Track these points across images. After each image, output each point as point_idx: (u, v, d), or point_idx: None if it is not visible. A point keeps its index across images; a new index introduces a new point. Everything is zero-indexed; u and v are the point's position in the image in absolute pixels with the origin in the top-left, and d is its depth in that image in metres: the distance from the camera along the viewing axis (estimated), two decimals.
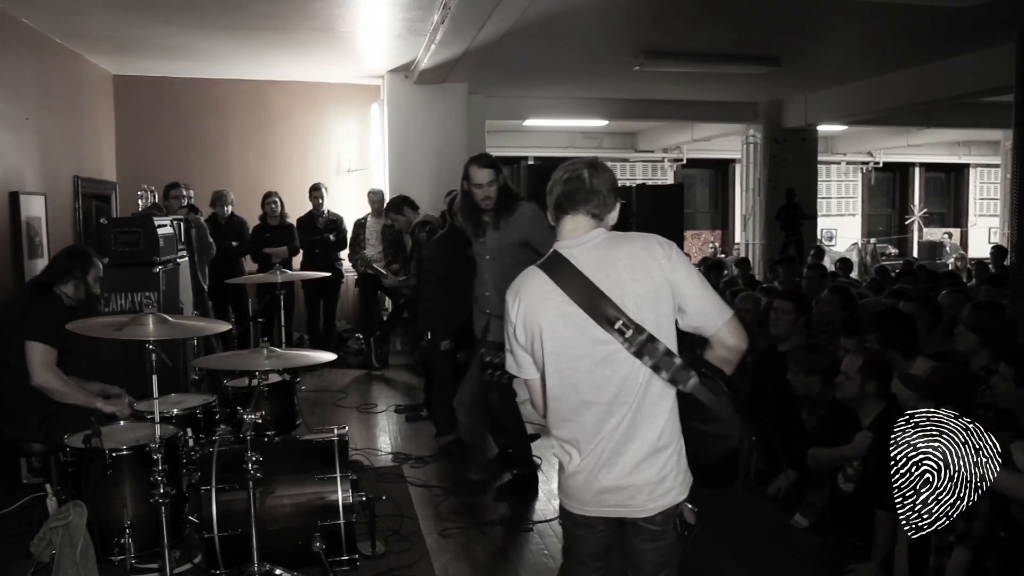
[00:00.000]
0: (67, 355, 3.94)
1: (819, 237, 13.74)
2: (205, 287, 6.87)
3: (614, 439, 2.05)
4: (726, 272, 8.80)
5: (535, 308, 2.06)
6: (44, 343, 3.77)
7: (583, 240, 2.07)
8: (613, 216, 2.14)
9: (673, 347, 2.04)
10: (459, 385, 4.85)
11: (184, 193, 7.09)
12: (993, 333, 3.97)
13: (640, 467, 2.05)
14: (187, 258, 6.18)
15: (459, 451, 5.13)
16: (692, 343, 2.21)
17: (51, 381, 3.77)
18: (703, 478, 2.15)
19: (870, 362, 3.64)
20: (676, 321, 2.09)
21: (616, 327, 1.97)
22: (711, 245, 16.02)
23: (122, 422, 3.67)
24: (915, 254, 15.92)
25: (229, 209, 7.60)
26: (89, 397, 3.84)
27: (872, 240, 16.63)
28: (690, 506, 2.11)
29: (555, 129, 14.13)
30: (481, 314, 4.43)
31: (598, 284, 2.00)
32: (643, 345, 1.98)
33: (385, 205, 7.59)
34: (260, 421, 3.13)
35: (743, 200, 13.20)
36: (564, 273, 2.03)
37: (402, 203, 6.88)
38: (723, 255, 14.58)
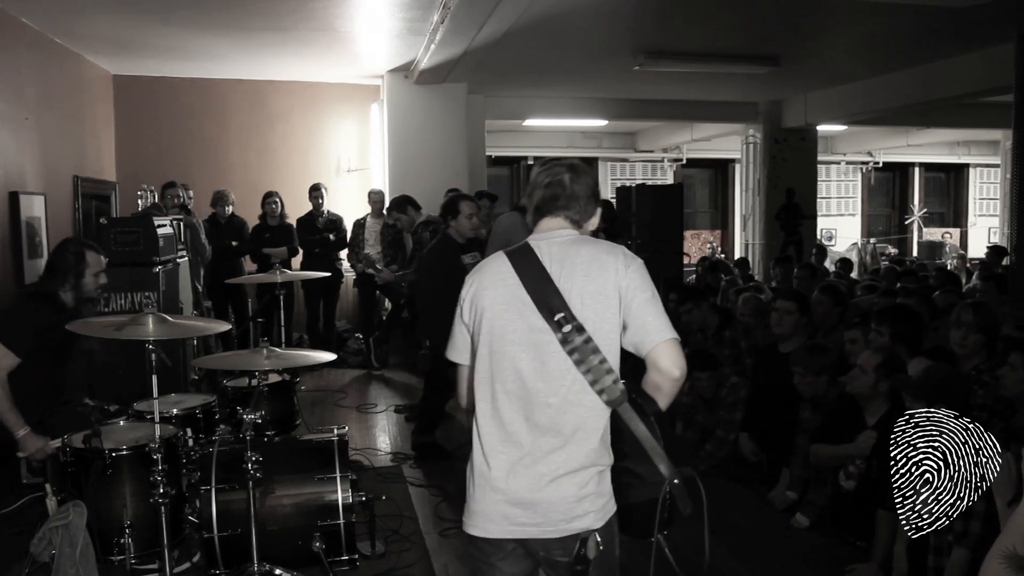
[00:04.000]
0: (60, 361, 3.84)
1: (819, 237, 13.74)
2: (200, 289, 6.86)
3: (534, 441, 1.94)
4: (725, 277, 8.71)
5: (485, 286, 2.03)
6: (6, 345, 3.61)
7: (553, 235, 2.07)
8: (593, 222, 2.13)
9: (611, 358, 1.95)
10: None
11: (180, 193, 7.02)
12: (992, 332, 3.97)
13: (558, 481, 1.93)
14: (186, 258, 6.18)
15: (434, 452, 5.10)
16: (635, 367, 2.08)
17: None
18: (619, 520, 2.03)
19: (888, 361, 3.62)
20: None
21: (556, 319, 1.92)
22: (709, 245, 16.03)
23: (122, 422, 3.66)
24: (915, 254, 15.93)
25: (229, 209, 7.60)
26: (13, 419, 3.57)
27: (872, 240, 16.64)
28: (599, 539, 1.93)
29: (555, 129, 14.13)
30: None
31: (551, 274, 1.98)
32: (578, 346, 1.91)
33: (388, 204, 7.59)
34: (260, 421, 3.13)
35: (743, 200, 13.20)
36: (525, 260, 2.01)
37: (405, 202, 6.85)
38: (722, 255, 14.58)
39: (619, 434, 1.99)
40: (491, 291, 2.02)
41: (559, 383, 1.94)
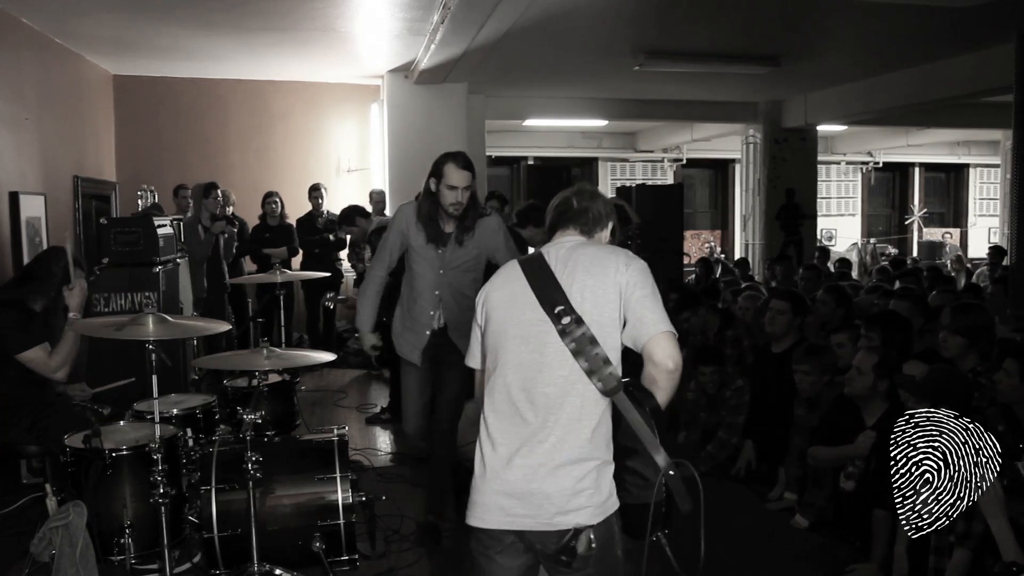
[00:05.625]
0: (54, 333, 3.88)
1: (819, 237, 13.73)
2: (229, 287, 7.01)
3: (532, 432, 1.99)
4: (724, 281, 8.70)
5: (496, 287, 2.18)
6: (36, 344, 3.68)
7: (563, 242, 2.21)
8: (604, 235, 2.26)
9: (610, 351, 1.99)
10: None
11: (220, 194, 7.08)
12: (978, 334, 3.96)
13: (555, 472, 1.96)
14: (187, 259, 6.18)
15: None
16: (634, 364, 2.10)
17: (64, 367, 3.73)
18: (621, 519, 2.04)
19: (885, 360, 3.62)
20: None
21: (555, 311, 2.01)
22: (708, 245, 16.03)
23: (122, 423, 3.66)
24: (915, 254, 15.92)
25: (230, 209, 7.60)
26: (70, 340, 3.78)
27: (872, 240, 16.64)
28: (592, 537, 1.93)
29: (555, 129, 14.13)
30: (417, 334, 3.82)
31: (555, 273, 2.09)
32: (576, 337, 1.98)
33: (339, 217, 7.36)
34: (260, 421, 3.13)
35: (743, 200, 13.21)
36: (533, 264, 2.15)
37: (353, 214, 6.52)
38: (722, 255, 14.56)
39: (623, 431, 2.01)
40: (498, 291, 2.17)
41: (557, 372, 2.01)
